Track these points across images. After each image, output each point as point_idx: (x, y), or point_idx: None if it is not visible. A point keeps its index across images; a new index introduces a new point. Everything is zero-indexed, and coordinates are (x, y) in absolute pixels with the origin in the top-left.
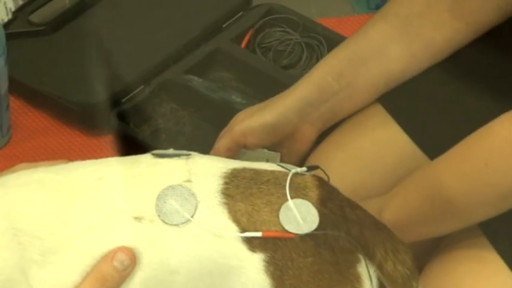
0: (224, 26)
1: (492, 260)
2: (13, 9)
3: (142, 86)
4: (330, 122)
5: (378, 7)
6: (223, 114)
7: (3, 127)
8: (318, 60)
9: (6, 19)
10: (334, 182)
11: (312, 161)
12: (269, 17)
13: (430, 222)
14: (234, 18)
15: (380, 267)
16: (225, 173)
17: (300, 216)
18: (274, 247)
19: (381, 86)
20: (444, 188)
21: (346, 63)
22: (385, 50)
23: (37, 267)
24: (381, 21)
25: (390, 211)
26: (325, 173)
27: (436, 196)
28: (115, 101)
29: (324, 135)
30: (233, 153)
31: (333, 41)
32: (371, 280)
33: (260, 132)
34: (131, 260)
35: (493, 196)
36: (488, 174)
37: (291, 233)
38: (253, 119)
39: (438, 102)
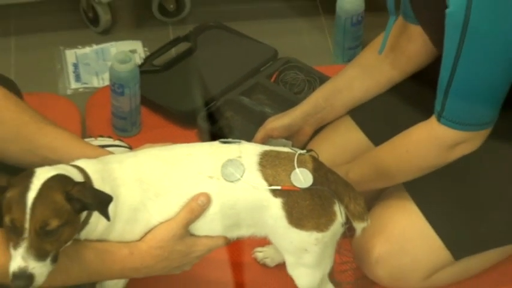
0: (262, 69)
1: (410, 206)
2: (143, 57)
3: (214, 101)
4: (320, 125)
5: (348, 60)
6: (260, 119)
7: (137, 122)
8: (314, 90)
9: (139, 63)
10: (321, 159)
11: (310, 146)
12: (287, 65)
13: (374, 181)
14: (267, 65)
15: (346, 207)
16: (260, 152)
17: (302, 178)
18: (288, 195)
19: (349, 105)
20: (383, 162)
21: (329, 92)
22: (352, 85)
23: (152, 202)
24: (350, 68)
25: (352, 173)
26: (316, 154)
27: (379, 167)
28: (200, 110)
29: (316, 132)
30: (265, 141)
31: (322, 79)
32: (341, 214)
33: (281, 129)
34: (208, 201)
35: (411, 170)
36: (408, 157)
37: (297, 187)
38: (277, 122)
39: (382, 114)
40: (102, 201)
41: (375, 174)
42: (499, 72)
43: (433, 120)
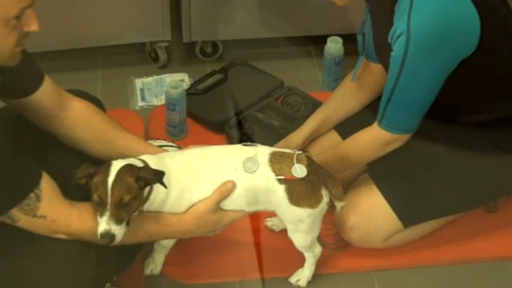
0: (272, 94)
1: (374, 190)
2: (189, 84)
3: (238, 115)
4: (314, 136)
5: (333, 89)
6: (270, 129)
7: (184, 130)
8: (308, 109)
9: (186, 88)
10: (313, 157)
11: (306, 149)
12: (290, 91)
13: (342, 166)
14: (276, 91)
15: (330, 191)
16: (270, 153)
17: (299, 170)
18: (289, 182)
19: (334, 122)
20: (347, 153)
21: (321, 120)
22: (337, 110)
23: (194, 186)
24: (333, 100)
25: (321, 156)
26: (309, 154)
27: (345, 156)
28: (227, 121)
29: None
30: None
31: (314, 101)
32: (326, 196)
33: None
34: (233, 186)
35: (365, 158)
36: (363, 150)
37: (295, 177)
38: (289, 141)
39: (351, 124)
40: (158, 175)
41: (341, 161)
42: (423, 96)
43: (375, 125)
